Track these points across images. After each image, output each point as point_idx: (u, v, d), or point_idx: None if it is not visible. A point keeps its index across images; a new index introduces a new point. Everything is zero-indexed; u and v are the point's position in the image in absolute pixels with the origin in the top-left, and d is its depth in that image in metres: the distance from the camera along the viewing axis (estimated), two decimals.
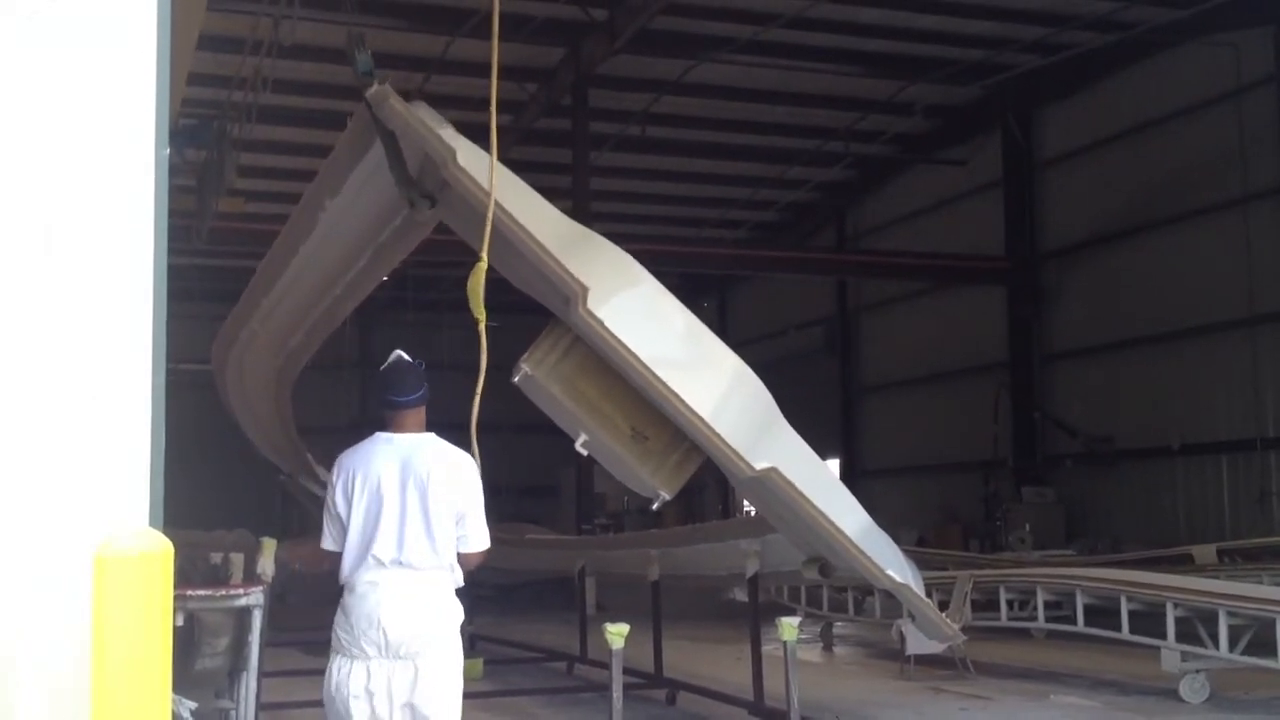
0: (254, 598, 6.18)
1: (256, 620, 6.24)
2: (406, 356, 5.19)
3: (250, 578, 7.20)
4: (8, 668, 3.32)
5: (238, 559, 7.87)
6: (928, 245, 22.36)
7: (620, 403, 6.58)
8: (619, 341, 6.19)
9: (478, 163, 6.56)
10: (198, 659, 6.40)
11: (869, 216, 25.42)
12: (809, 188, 24.91)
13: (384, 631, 4.81)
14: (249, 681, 6.44)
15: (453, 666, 4.93)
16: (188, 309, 17.83)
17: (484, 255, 5.97)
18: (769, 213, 26.45)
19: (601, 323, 6.16)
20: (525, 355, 6.50)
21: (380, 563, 4.89)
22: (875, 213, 25.11)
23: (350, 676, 4.83)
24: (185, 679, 6.27)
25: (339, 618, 4.95)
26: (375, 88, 6.72)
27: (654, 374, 6.23)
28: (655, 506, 7.01)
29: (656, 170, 23.37)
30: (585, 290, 6.17)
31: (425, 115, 6.81)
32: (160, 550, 3.12)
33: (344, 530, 5.00)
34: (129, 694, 3.02)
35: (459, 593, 5.06)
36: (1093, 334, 19.57)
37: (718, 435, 6.40)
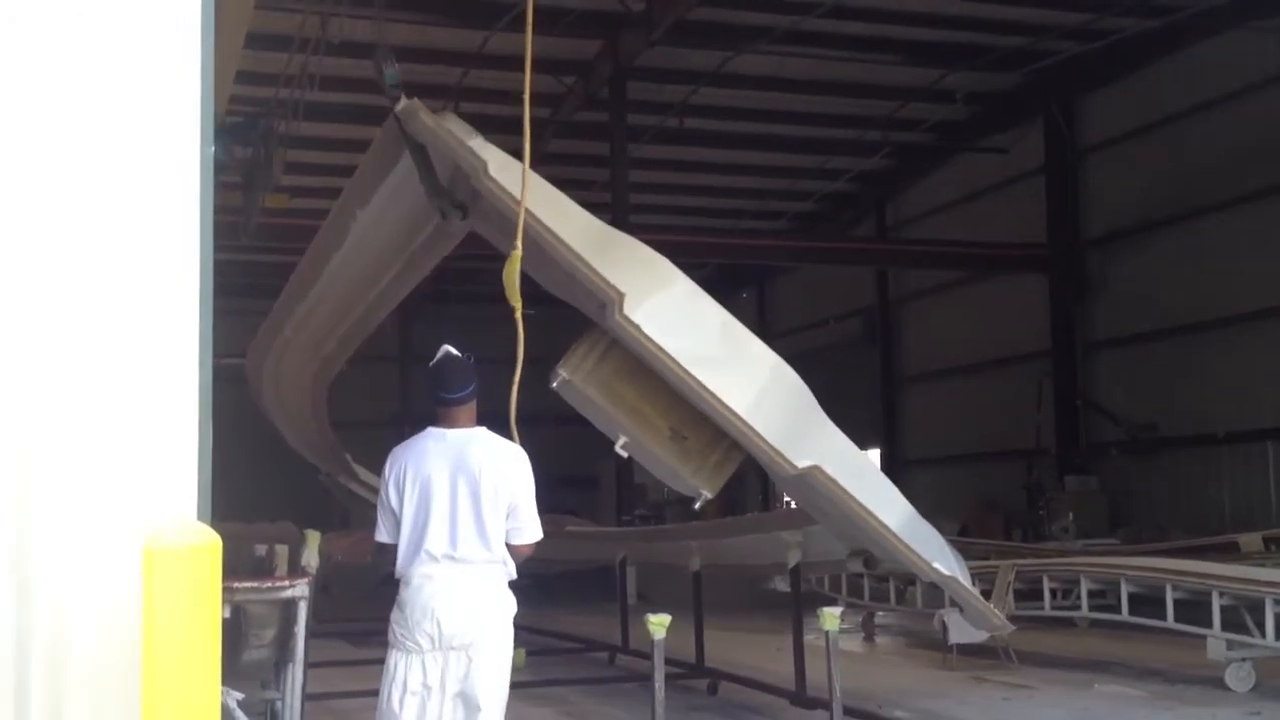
0: (299, 589, 6.24)
1: (302, 612, 6.31)
2: (455, 351, 5.23)
3: (295, 569, 7.28)
4: (59, 660, 3.39)
5: (282, 551, 7.95)
6: (968, 234, 22.18)
7: (658, 404, 6.61)
8: (656, 346, 6.22)
9: (509, 173, 6.59)
10: (244, 650, 6.47)
11: (909, 206, 25.27)
12: (848, 178, 24.78)
13: (438, 624, 4.88)
14: (295, 672, 6.51)
15: (504, 657, 5.00)
16: (231, 304, 18.02)
17: (518, 245, 6.00)
18: (808, 203, 26.34)
19: (639, 328, 6.20)
20: (562, 361, 6.55)
21: (433, 557, 4.95)
22: (915, 202, 24.95)
23: (410, 672, 4.90)
24: (232, 670, 6.35)
25: (395, 612, 5.02)
26: (404, 103, 6.75)
27: (692, 376, 6.25)
28: (697, 506, 7.04)
29: (695, 162, 23.32)
30: (621, 296, 6.20)
31: (455, 127, 6.83)
32: (208, 543, 3.17)
33: (397, 524, 5.07)
34: (179, 685, 3.08)
35: (510, 585, 5.11)
36: (1136, 322, 19.37)
37: (757, 434, 6.41)
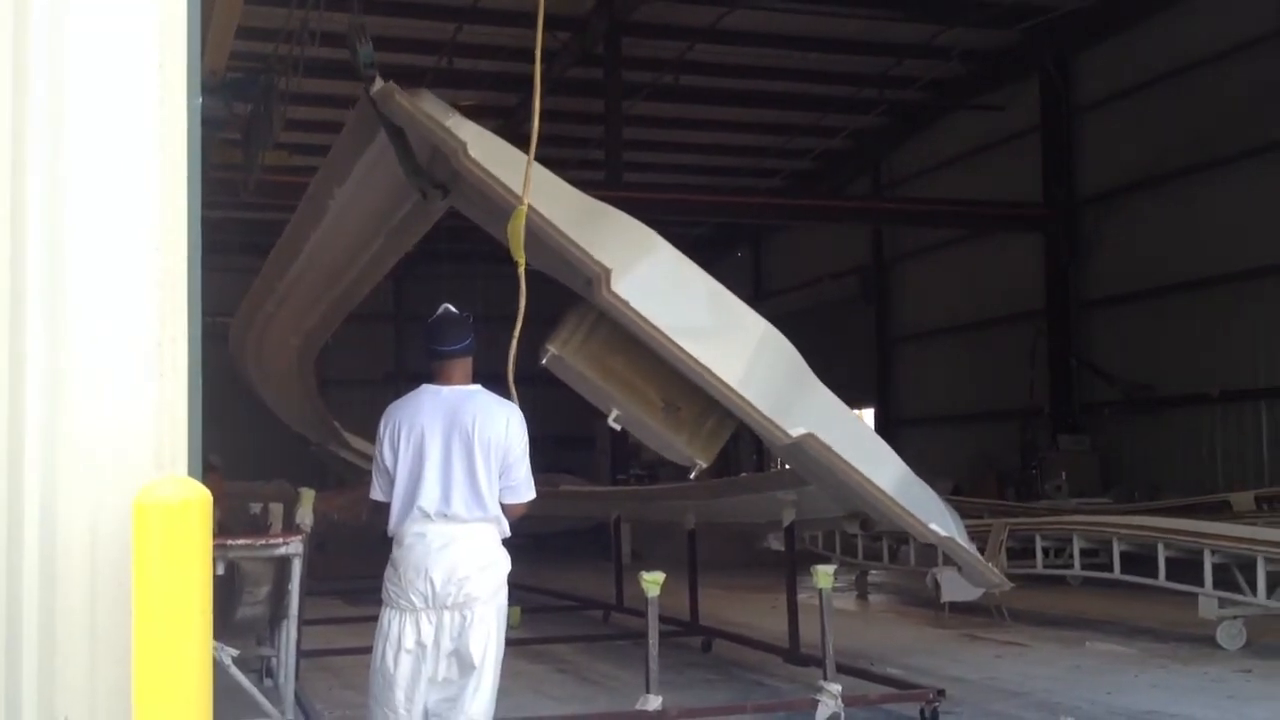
0: (293, 547, 6.26)
1: (296, 569, 6.33)
2: (453, 309, 5.21)
3: (289, 527, 7.29)
4: (49, 615, 3.38)
5: (277, 509, 7.97)
6: (964, 192, 22.10)
7: (650, 376, 6.59)
8: (645, 320, 6.19)
9: (489, 151, 6.51)
10: (239, 607, 6.50)
11: (904, 164, 25.15)
12: (843, 135, 24.66)
13: (431, 582, 4.86)
14: (289, 629, 6.54)
15: (498, 616, 4.99)
16: (226, 261, 17.92)
17: (526, 199, 5.95)
18: (803, 161, 26.22)
19: (627, 303, 6.17)
20: (551, 336, 6.51)
21: (426, 515, 4.93)
22: (911, 160, 24.83)
23: (404, 630, 4.89)
24: (227, 627, 6.38)
25: (388, 570, 5.01)
26: (379, 85, 6.65)
27: (682, 349, 6.23)
28: (693, 475, 7.03)
29: (689, 119, 23.18)
30: (608, 272, 6.17)
31: (431, 108, 6.73)
32: (199, 498, 3.16)
33: (391, 482, 5.04)
34: (170, 639, 3.07)
35: (505, 544, 5.10)
36: (1131, 280, 19.33)
37: (750, 404, 6.41)
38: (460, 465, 4.96)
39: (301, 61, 11.43)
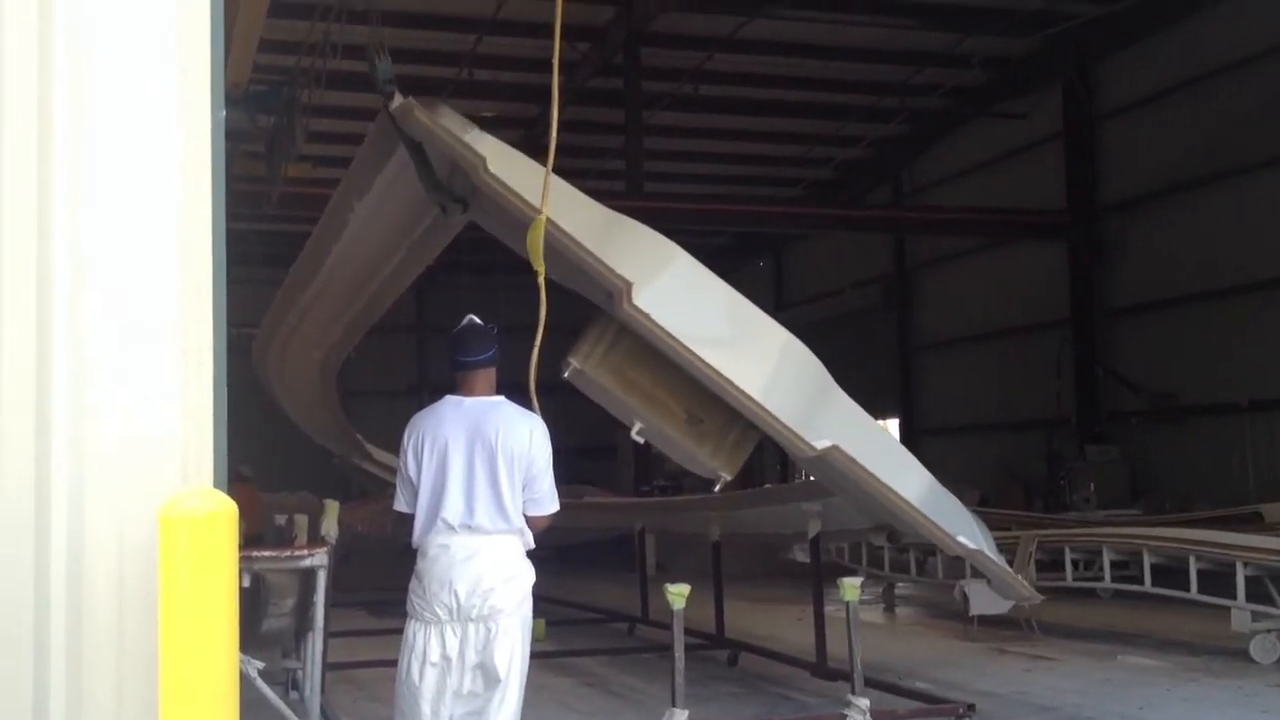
0: (319, 558, 6.21)
1: (321, 581, 6.29)
2: (478, 320, 5.18)
3: (315, 539, 7.27)
4: (77, 625, 3.36)
5: (302, 520, 7.95)
6: (986, 200, 22.00)
7: (672, 388, 6.55)
8: (667, 333, 6.16)
9: (508, 166, 6.50)
10: (264, 619, 6.46)
11: (926, 172, 25.07)
12: (864, 144, 24.59)
13: (455, 594, 4.83)
14: (315, 641, 6.50)
15: (523, 628, 4.95)
16: (256, 274, 17.96)
17: (544, 209, 5.92)
18: (824, 170, 26.16)
19: (649, 316, 6.14)
20: (572, 350, 6.49)
21: (450, 526, 4.90)
22: (932, 168, 24.75)
23: (429, 643, 4.86)
24: (253, 639, 6.34)
25: (413, 583, 4.97)
26: (398, 101, 6.63)
27: (705, 361, 6.20)
28: (717, 488, 6.97)
29: (710, 129, 23.16)
30: (629, 285, 6.14)
31: (450, 122, 6.72)
32: (225, 510, 3.13)
33: (415, 493, 5.01)
34: (197, 652, 3.04)
35: (529, 555, 5.06)
36: (1157, 288, 19.19)
37: (774, 416, 6.36)
38: (484, 477, 4.93)
39: (324, 74, 11.46)
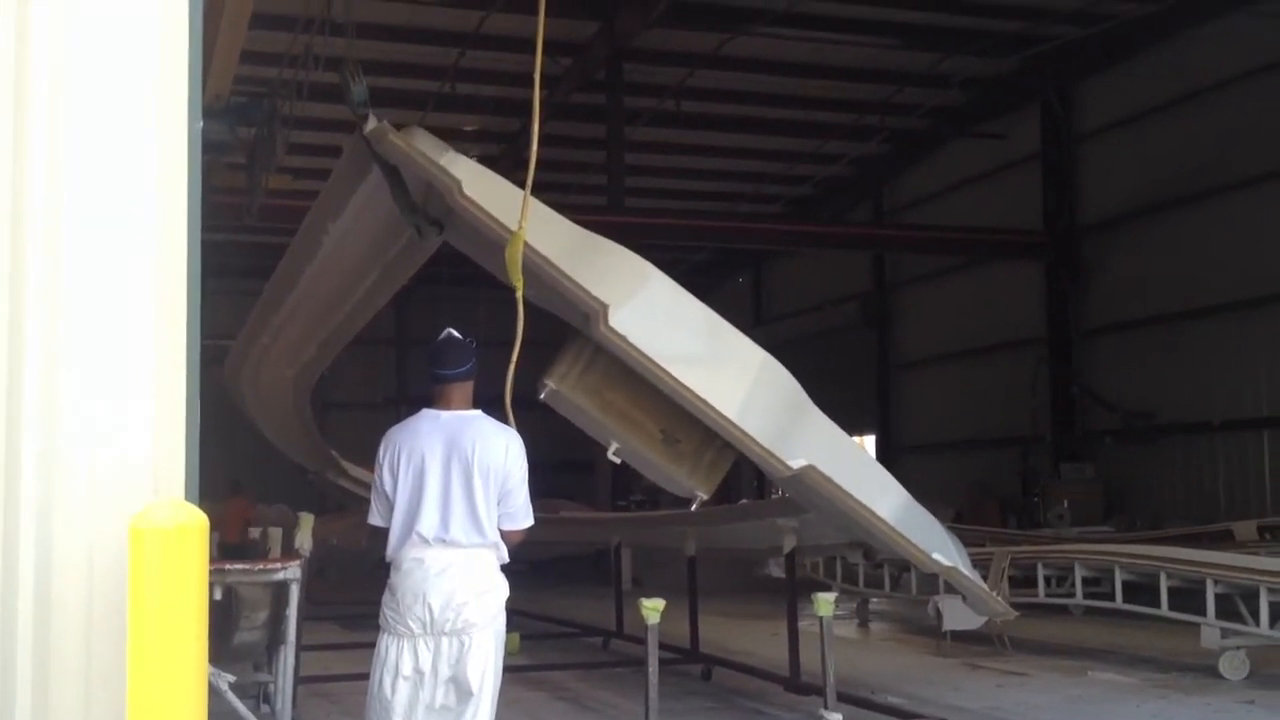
0: (291, 572, 6.23)
1: (294, 594, 6.30)
2: (456, 333, 5.19)
3: (288, 552, 7.26)
4: (44, 639, 3.35)
5: (275, 533, 7.94)
6: (965, 219, 22.14)
7: (649, 408, 6.57)
8: (644, 354, 6.19)
9: (483, 189, 6.52)
10: (236, 633, 6.46)
11: (906, 191, 25.23)
12: (845, 162, 24.73)
13: (429, 608, 4.83)
14: (287, 655, 6.50)
15: (496, 642, 4.95)
16: (235, 285, 17.93)
17: (523, 224, 5.94)
18: (805, 188, 26.29)
19: (625, 338, 6.16)
20: (548, 371, 6.50)
21: (424, 540, 4.90)
22: (912, 187, 24.91)
23: (401, 657, 4.86)
24: (224, 652, 6.34)
25: (386, 596, 4.97)
26: (373, 125, 6.65)
27: (681, 382, 6.23)
28: (694, 507, 6.99)
29: (691, 145, 23.25)
30: (605, 307, 6.17)
31: (425, 145, 6.73)
32: (195, 523, 3.14)
33: (390, 507, 5.02)
34: (165, 664, 3.04)
35: (503, 569, 5.07)
36: (1132, 308, 19.35)
37: (750, 437, 6.40)
38: (459, 491, 4.94)
39: (305, 86, 11.47)
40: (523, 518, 5.09)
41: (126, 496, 3.34)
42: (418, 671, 4.85)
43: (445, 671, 4.85)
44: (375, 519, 5.11)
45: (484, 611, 4.91)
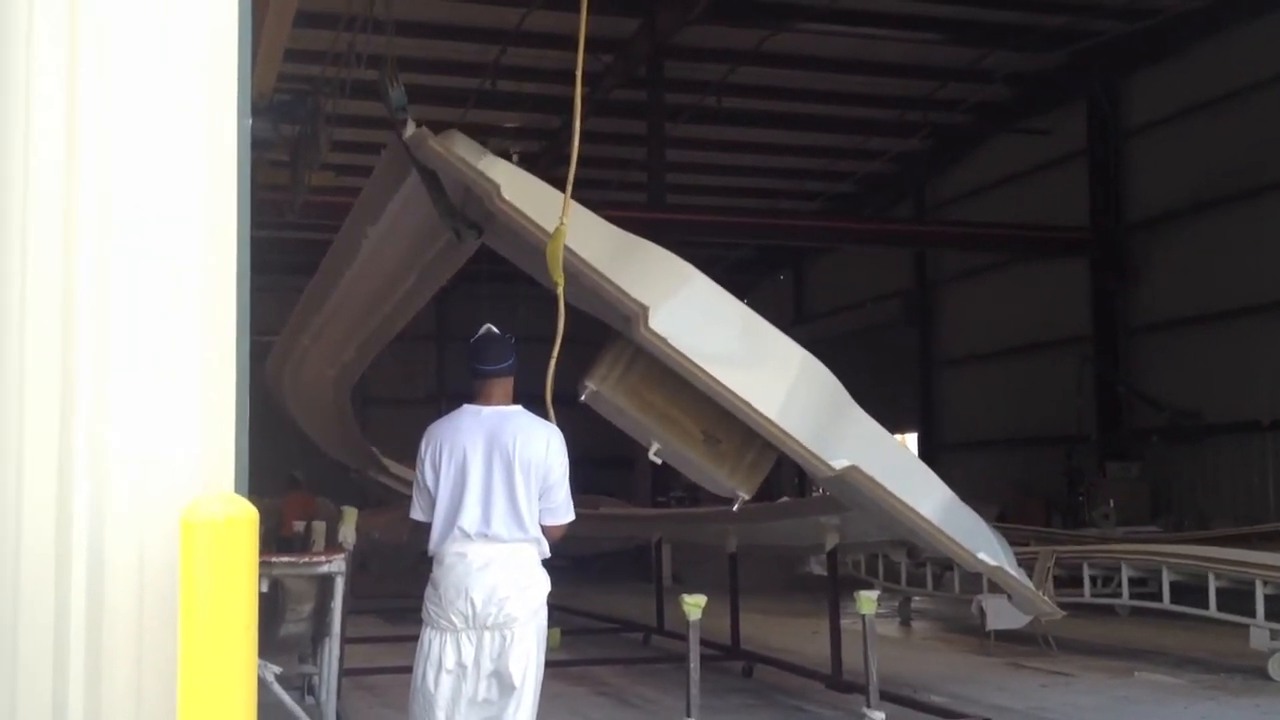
0: (336, 565, 6.27)
1: (339, 587, 6.34)
2: (496, 330, 5.21)
3: (332, 545, 7.32)
4: (96, 631, 3.39)
5: (320, 527, 8.00)
6: (1009, 216, 21.97)
7: (689, 408, 6.56)
8: (685, 356, 6.19)
9: (524, 192, 6.53)
10: (282, 625, 6.51)
11: (948, 187, 25.04)
12: (887, 159, 24.59)
13: (471, 603, 4.85)
14: (332, 647, 6.55)
15: (538, 636, 4.97)
16: (278, 281, 18.06)
17: (564, 221, 5.95)
18: (846, 184, 26.17)
19: (666, 340, 6.16)
20: (589, 373, 6.51)
21: (466, 535, 4.93)
22: (955, 184, 24.73)
23: (444, 651, 4.88)
24: (270, 644, 6.39)
25: (429, 590, 5.00)
26: (412, 130, 6.67)
27: (722, 383, 6.22)
28: (735, 507, 6.97)
29: (732, 142, 23.20)
30: (645, 310, 6.17)
31: (463, 150, 6.75)
32: (245, 516, 3.16)
33: (432, 501, 5.04)
34: (216, 657, 3.07)
35: (545, 565, 5.08)
36: (1179, 306, 19.12)
37: (791, 437, 6.38)
38: (500, 486, 4.95)
39: (348, 83, 11.55)
40: (564, 513, 5.10)
41: (177, 490, 3.37)
42: (460, 666, 4.88)
43: (488, 666, 4.88)
44: (417, 514, 5.14)
45: (526, 606, 4.92)
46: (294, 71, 13.87)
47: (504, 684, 4.89)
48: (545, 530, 5.05)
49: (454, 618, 4.88)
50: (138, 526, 3.41)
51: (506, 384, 5.14)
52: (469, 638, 4.88)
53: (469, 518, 4.93)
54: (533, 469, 4.98)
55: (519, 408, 5.13)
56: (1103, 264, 20.32)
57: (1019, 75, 20.55)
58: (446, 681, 4.88)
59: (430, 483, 5.05)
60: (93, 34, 3.58)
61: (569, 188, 6.07)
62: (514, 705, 4.89)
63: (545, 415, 5.36)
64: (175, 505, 3.24)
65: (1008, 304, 22.98)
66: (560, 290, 5.93)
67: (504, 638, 4.87)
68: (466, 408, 5.14)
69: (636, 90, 19.73)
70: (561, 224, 5.94)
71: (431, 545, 5.04)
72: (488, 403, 5.10)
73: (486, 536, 4.93)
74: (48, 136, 3.53)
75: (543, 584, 5.03)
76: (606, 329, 6.76)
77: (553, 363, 5.72)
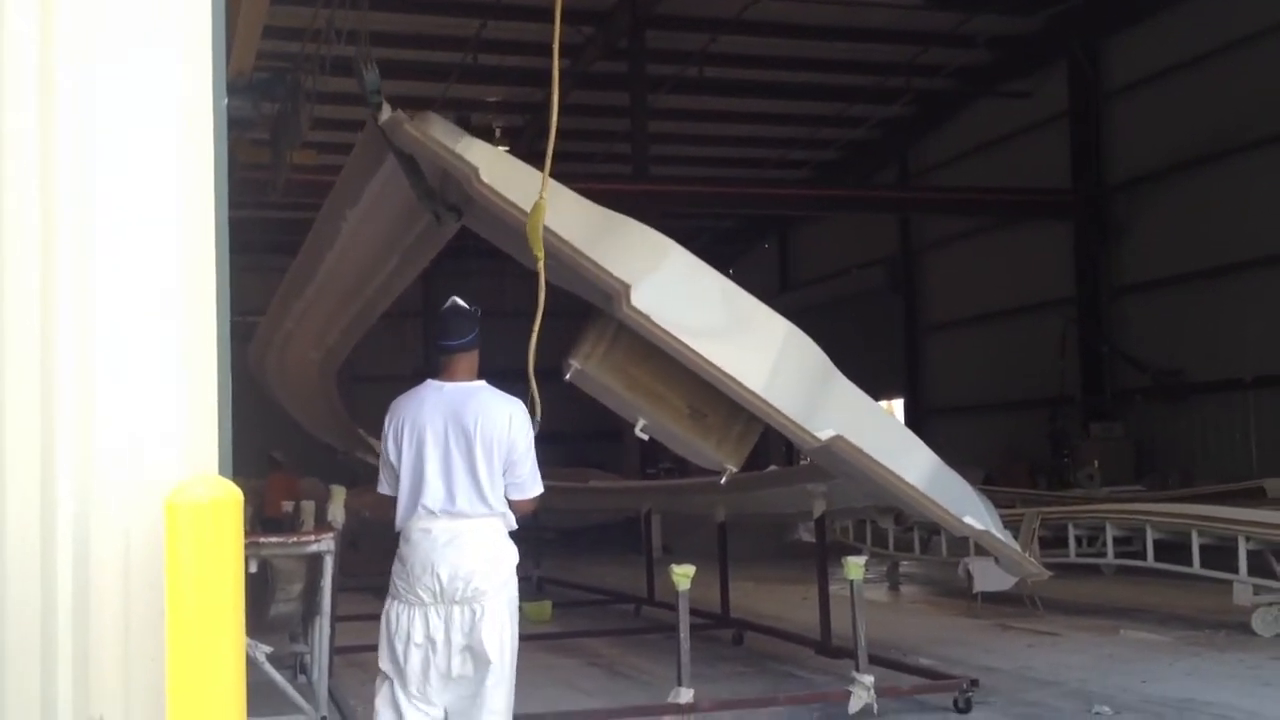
0: (325, 544, 6.29)
1: (328, 566, 6.37)
2: (461, 302, 5.17)
3: (321, 525, 7.34)
4: (83, 615, 3.41)
5: (308, 506, 8.02)
6: (992, 180, 22.00)
7: (674, 383, 6.56)
8: (667, 332, 6.19)
9: (502, 173, 6.50)
10: (272, 604, 6.55)
11: (932, 153, 25.04)
12: (870, 125, 24.57)
13: (438, 578, 4.84)
14: (322, 625, 6.58)
15: (509, 608, 4.97)
16: (254, 261, 18.02)
17: (544, 194, 5.93)
18: (830, 151, 26.15)
19: (648, 317, 6.16)
20: (573, 351, 6.49)
21: (430, 511, 4.92)
22: (938, 149, 24.73)
23: (412, 625, 4.89)
24: (260, 624, 6.43)
25: (396, 565, 5.00)
26: (387, 114, 6.63)
27: (706, 359, 6.23)
28: (724, 480, 6.98)
29: (715, 111, 23.15)
30: (627, 288, 6.17)
31: (440, 133, 6.70)
32: (230, 497, 3.18)
33: (397, 477, 5.04)
34: (203, 638, 3.09)
35: (514, 535, 5.08)
36: (1162, 266, 19.19)
37: (777, 410, 6.40)
38: (461, 463, 4.92)
39: (328, 60, 11.47)
40: (531, 486, 5.07)
41: (161, 473, 3.38)
42: (429, 639, 4.86)
43: (459, 640, 4.86)
44: (384, 488, 5.12)
45: (493, 579, 4.91)
46: (273, 49, 13.79)
47: (479, 658, 4.87)
48: (514, 505, 5.04)
49: (421, 593, 4.87)
50: (122, 510, 3.42)
51: (471, 358, 5.09)
52: (437, 612, 4.86)
53: (432, 494, 4.92)
54: (495, 444, 4.95)
55: (482, 383, 5.08)
56: (1085, 225, 20.37)
57: (1000, 39, 20.52)
58: (416, 655, 4.87)
59: (394, 458, 5.03)
60: (67, 14, 3.56)
61: (548, 163, 6.05)
62: (493, 679, 4.88)
63: (528, 392, 5.35)
64: (160, 488, 3.25)
65: (991, 268, 23.03)
66: (540, 265, 5.92)
67: (474, 612, 4.86)
68: (430, 383, 5.10)
69: (618, 61, 19.66)
70: (541, 198, 5.92)
71: (398, 521, 5.02)
72: (451, 378, 5.05)
73: (450, 513, 4.91)
74: (18, 121, 3.51)
75: (510, 556, 5.01)
76: (591, 306, 6.76)
77: (534, 339, 5.69)
